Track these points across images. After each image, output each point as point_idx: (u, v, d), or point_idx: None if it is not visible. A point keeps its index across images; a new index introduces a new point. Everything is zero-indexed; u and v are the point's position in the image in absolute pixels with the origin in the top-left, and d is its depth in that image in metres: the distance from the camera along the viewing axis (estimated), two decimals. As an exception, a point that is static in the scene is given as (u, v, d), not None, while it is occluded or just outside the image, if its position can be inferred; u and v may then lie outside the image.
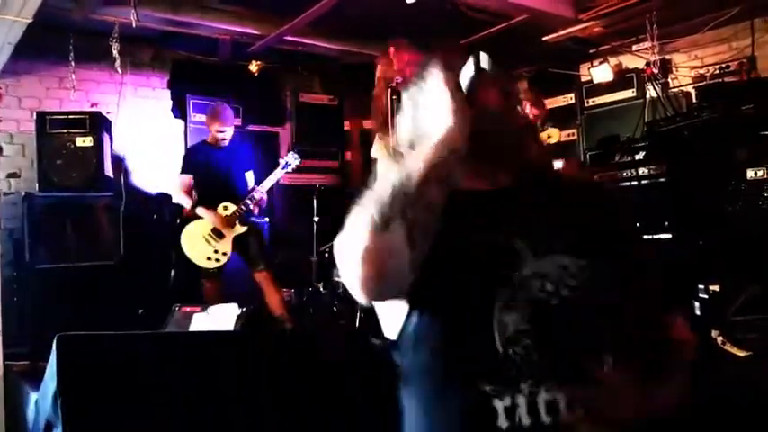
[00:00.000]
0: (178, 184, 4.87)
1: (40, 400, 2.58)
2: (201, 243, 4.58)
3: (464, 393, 1.08)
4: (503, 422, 1.04)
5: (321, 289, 5.12)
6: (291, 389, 2.58)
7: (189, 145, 5.08)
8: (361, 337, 3.26)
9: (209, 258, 4.56)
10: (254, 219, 4.80)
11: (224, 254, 4.57)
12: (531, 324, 1.07)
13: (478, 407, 1.05)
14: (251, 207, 4.63)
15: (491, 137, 1.22)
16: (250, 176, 4.93)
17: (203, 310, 3.55)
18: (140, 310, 4.73)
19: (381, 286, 1.09)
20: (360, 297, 1.11)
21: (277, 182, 4.88)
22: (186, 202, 4.77)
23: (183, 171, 4.88)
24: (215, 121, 4.83)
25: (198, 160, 4.84)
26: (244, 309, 3.47)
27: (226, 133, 4.82)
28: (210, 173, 4.78)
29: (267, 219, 5.33)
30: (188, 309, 3.58)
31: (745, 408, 2.60)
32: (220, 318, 3.45)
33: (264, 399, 2.51)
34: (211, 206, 4.68)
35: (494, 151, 1.24)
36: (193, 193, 4.83)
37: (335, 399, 2.54)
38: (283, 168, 4.80)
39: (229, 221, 4.59)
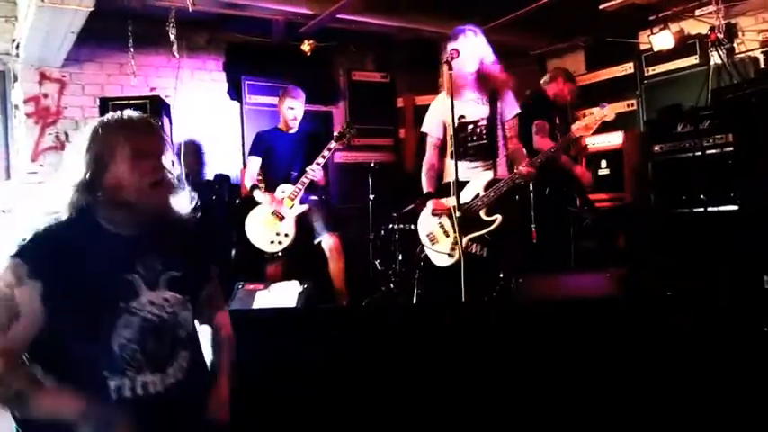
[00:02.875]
0: (248, 166, 4.94)
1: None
2: (263, 228, 4.61)
3: (91, 377, 1.59)
4: (112, 395, 1.59)
5: (378, 266, 5.15)
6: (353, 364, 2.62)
7: (259, 129, 5.08)
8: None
9: (272, 242, 4.59)
10: (314, 196, 4.81)
11: (286, 235, 4.59)
12: (139, 335, 1.63)
13: (99, 385, 1.59)
14: (308, 184, 4.62)
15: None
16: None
17: (266, 287, 3.62)
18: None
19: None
20: None
21: (332, 159, 4.85)
22: (248, 182, 4.83)
23: (252, 153, 4.93)
24: (285, 96, 4.85)
25: (267, 143, 4.88)
26: (305, 285, 3.52)
27: (296, 110, 4.83)
28: (278, 155, 4.82)
29: (323, 196, 5.32)
30: (251, 286, 3.66)
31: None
32: (283, 294, 3.51)
33: (329, 375, 2.55)
34: (272, 190, 4.72)
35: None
36: (255, 175, 4.88)
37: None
38: (336, 140, 4.74)
39: (288, 202, 4.62)
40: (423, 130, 4.02)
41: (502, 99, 3.77)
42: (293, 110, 4.83)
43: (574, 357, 2.73)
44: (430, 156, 3.94)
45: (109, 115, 1.76)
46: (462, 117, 3.70)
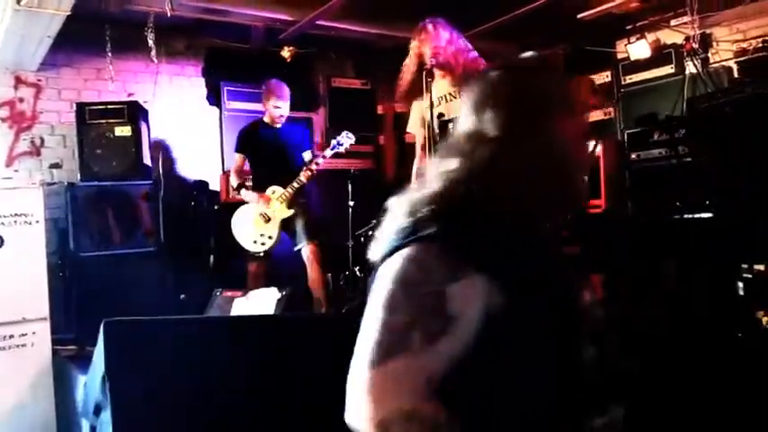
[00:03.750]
0: (233, 164, 4.90)
1: (89, 383, 2.66)
2: (249, 227, 4.61)
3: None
4: None
5: (358, 273, 5.14)
6: (329, 372, 2.61)
7: (243, 127, 5.04)
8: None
9: (255, 242, 4.59)
10: (302, 199, 4.76)
11: (270, 237, 4.58)
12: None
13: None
14: (297, 187, 4.58)
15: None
16: (307, 156, 4.89)
17: (244, 294, 3.60)
18: (182, 296, 4.82)
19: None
20: None
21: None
22: (234, 180, 4.80)
23: (237, 150, 4.88)
24: (271, 95, 4.77)
25: (252, 139, 4.83)
26: (284, 293, 3.51)
27: (282, 109, 4.77)
28: (265, 153, 4.77)
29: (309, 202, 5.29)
30: (229, 293, 3.64)
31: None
32: (261, 302, 3.50)
33: (305, 382, 2.54)
34: (265, 186, 4.68)
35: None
36: (241, 173, 4.84)
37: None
38: (333, 149, 4.69)
39: (275, 205, 4.60)
40: (408, 130, 3.98)
41: None
42: (279, 109, 4.78)
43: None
44: (419, 157, 3.86)
45: None
46: (441, 115, 3.63)
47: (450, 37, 3.57)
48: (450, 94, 3.65)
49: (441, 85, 3.63)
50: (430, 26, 3.57)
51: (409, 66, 3.58)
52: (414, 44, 3.59)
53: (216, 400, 2.36)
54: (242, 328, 2.84)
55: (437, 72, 3.53)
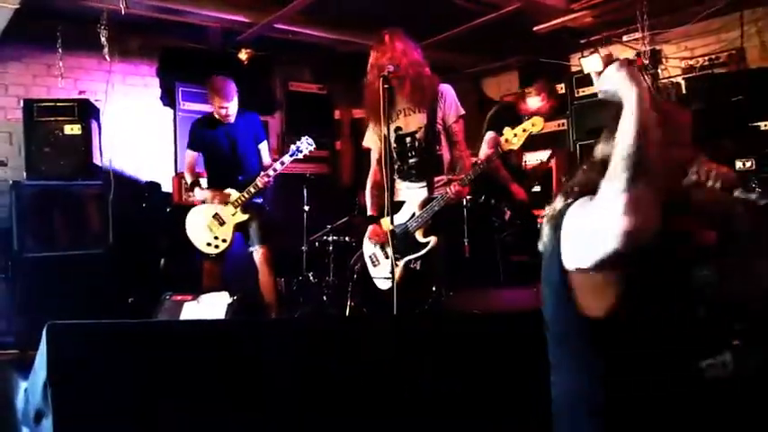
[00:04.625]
0: (185, 160, 4.79)
1: (30, 388, 2.57)
2: (203, 228, 4.54)
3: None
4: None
5: (311, 278, 5.12)
6: (277, 380, 2.59)
7: (193, 120, 4.90)
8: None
9: (209, 244, 4.52)
10: (258, 199, 4.67)
11: (224, 240, 4.52)
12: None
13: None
14: (254, 192, 4.50)
15: None
16: (264, 148, 4.80)
17: (194, 298, 3.55)
18: (130, 299, 4.72)
19: (645, 234, 1.32)
20: (621, 247, 1.32)
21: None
22: (188, 179, 4.71)
23: (189, 146, 4.77)
24: (215, 96, 4.61)
25: (204, 135, 4.71)
26: (235, 297, 3.47)
27: (229, 109, 4.61)
28: (218, 148, 4.66)
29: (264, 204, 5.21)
30: (179, 297, 3.58)
31: None
32: (211, 306, 3.45)
33: (254, 388, 2.51)
34: (220, 184, 4.61)
35: None
36: (194, 169, 4.75)
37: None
38: (292, 155, 4.59)
39: (230, 209, 4.54)
40: (364, 144, 3.92)
41: (441, 102, 3.56)
42: (225, 109, 4.61)
43: (501, 368, 2.77)
44: (373, 172, 3.81)
45: None
46: (399, 129, 3.62)
47: (405, 48, 3.50)
48: (407, 108, 3.62)
49: (398, 98, 3.59)
50: (387, 37, 3.54)
51: (370, 78, 3.54)
52: (373, 55, 3.57)
53: (161, 406, 2.31)
54: (191, 332, 2.79)
55: (396, 85, 3.46)
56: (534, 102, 4.91)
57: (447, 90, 3.63)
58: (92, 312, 3.64)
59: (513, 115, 4.77)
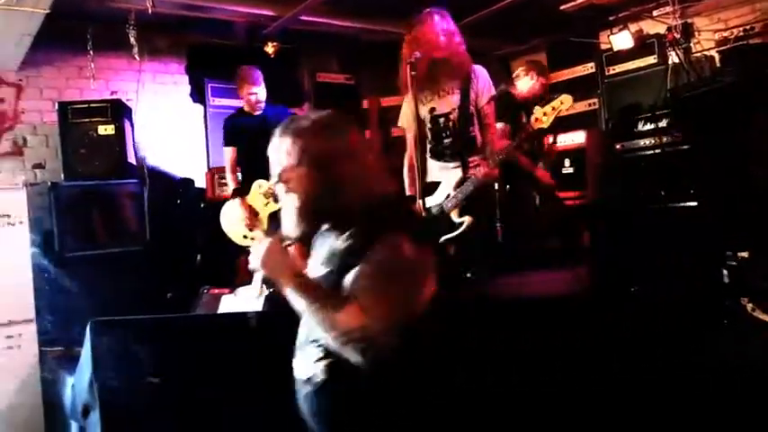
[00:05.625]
0: (225, 159, 4.85)
1: (77, 384, 2.64)
2: (238, 222, 4.59)
3: None
4: None
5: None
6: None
7: (225, 118, 4.99)
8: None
9: (245, 237, 4.58)
10: None
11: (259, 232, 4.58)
12: None
13: None
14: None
15: None
16: None
17: (232, 291, 3.58)
18: (168, 294, 4.79)
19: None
20: None
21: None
22: (231, 181, 4.76)
23: (226, 143, 4.84)
24: (244, 83, 4.75)
25: (237, 129, 4.79)
26: (271, 289, 3.49)
27: (259, 94, 4.75)
28: (251, 141, 4.71)
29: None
30: (216, 291, 3.62)
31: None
32: (249, 298, 3.48)
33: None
34: (253, 176, 4.67)
35: None
36: (235, 168, 4.81)
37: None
38: None
39: (263, 200, 4.58)
40: (399, 124, 3.94)
41: (474, 83, 3.57)
42: (255, 95, 4.75)
43: (538, 355, 2.76)
44: (410, 152, 3.79)
45: None
46: (433, 110, 3.62)
47: (447, 28, 3.51)
48: (443, 90, 3.61)
49: (434, 79, 3.58)
50: (425, 17, 3.53)
51: (404, 56, 3.53)
52: (409, 35, 3.56)
53: (203, 398, 2.36)
54: (230, 325, 2.84)
55: (433, 65, 3.47)
56: (525, 83, 4.85)
57: (481, 71, 3.62)
58: (132, 308, 3.72)
59: (514, 103, 4.75)
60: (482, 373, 2.66)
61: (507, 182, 4.43)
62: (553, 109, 3.48)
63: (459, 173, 3.58)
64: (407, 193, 3.77)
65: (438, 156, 3.66)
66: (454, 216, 3.52)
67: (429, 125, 3.64)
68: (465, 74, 3.57)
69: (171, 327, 2.59)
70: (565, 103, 3.47)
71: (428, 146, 3.65)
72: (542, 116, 3.50)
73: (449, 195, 3.55)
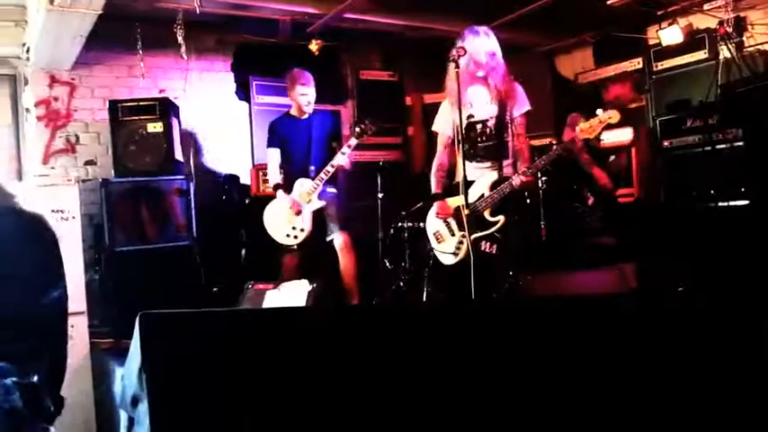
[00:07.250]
0: (270, 159, 4.90)
1: (126, 375, 2.70)
2: (281, 220, 4.64)
3: None
4: None
5: (388, 265, 5.15)
6: (364, 366, 2.63)
7: (272, 120, 5.05)
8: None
9: (287, 235, 4.62)
10: (332, 188, 4.77)
11: (302, 230, 4.60)
12: None
13: None
14: (326, 179, 4.60)
15: None
16: (336, 144, 4.91)
17: (276, 286, 3.64)
18: (215, 289, 4.88)
19: None
20: None
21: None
22: (274, 179, 4.82)
23: (270, 144, 4.89)
24: (296, 84, 4.79)
25: (283, 131, 4.85)
26: (315, 285, 3.54)
27: (309, 95, 4.79)
28: (295, 142, 4.79)
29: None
30: (261, 286, 3.68)
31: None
32: (293, 294, 3.53)
33: (340, 376, 2.56)
34: (294, 176, 4.71)
35: None
36: (279, 168, 4.85)
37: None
38: (358, 137, 4.68)
39: (306, 197, 4.62)
40: (434, 128, 4.06)
41: (511, 96, 3.76)
42: (306, 96, 4.79)
43: (583, 355, 2.72)
44: (440, 155, 3.98)
45: None
46: (471, 116, 3.77)
47: (491, 50, 3.69)
48: (486, 102, 3.78)
49: (479, 90, 3.76)
50: (471, 34, 3.68)
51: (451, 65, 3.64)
52: (459, 44, 3.64)
53: (250, 392, 2.39)
54: (275, 320, 2.87)
55: (479, 74, 3.67)
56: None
57: (518, 88, 3.81)
58: (179, 302, 3.80)
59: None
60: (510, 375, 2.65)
61: (563, 180, 4.45)
62: (600, 122, 3.52)
63: (493, 173, 3.72)
64: (433, 191, 3.92)
65: (472, 158, 3.77)
66: (487, 215, 3.62)
67: (466, 129, 3.76)
68: (504, 87, 3.74)
69: (218, 321, 2.63)
70: (613, 118, 3.51)
71: (463, 148, 3.71)
72: (587, 128, 3.58)
73: (482, 195, 3.66)
